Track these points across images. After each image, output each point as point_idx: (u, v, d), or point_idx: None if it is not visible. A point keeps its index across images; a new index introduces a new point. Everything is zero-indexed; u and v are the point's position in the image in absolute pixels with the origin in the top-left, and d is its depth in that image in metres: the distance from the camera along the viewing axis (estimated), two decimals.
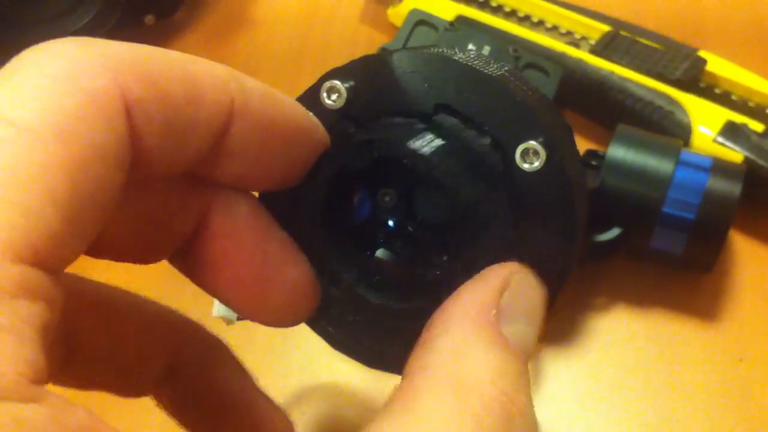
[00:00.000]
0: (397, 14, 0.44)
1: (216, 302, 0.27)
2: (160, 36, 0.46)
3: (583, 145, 0.36)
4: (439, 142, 0.22)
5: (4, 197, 0.13)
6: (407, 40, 0.36)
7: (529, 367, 0.32)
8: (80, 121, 0.14)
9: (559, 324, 0.33)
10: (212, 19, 0.47)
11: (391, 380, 0.32)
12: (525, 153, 0.22)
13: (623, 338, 0.33)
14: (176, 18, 0.46)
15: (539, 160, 0.22)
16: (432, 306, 0.21)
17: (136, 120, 0.15)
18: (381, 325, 0.25)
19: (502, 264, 0.20)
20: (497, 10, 0.43)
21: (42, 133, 0.14)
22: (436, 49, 0.24)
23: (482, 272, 0.19)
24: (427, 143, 0.22)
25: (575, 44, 0.41)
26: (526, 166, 0.22)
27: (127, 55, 0.16)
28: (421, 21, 0.36)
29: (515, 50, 0.33)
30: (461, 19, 0.41)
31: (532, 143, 0.22)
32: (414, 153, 0.22)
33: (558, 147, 0.22)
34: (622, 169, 0.31)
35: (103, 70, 0.15)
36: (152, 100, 0.16)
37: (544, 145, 0.22)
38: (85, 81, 0.15)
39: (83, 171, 0.14)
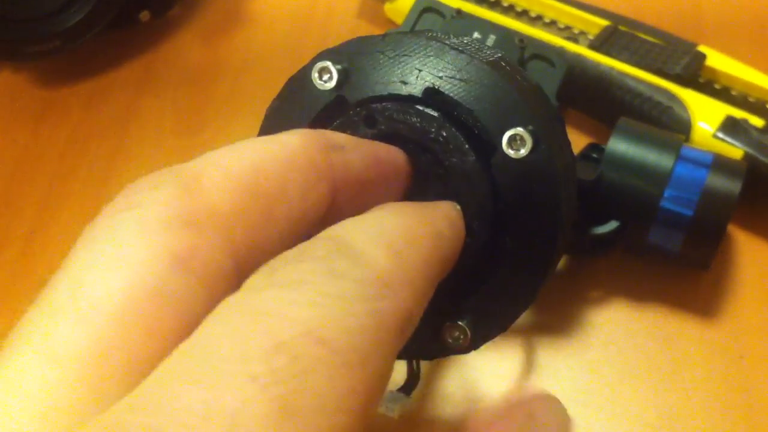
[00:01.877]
0: (395, 10, 0.44)
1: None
2: (155, 33, 0.46)
3: (582, 141, 0.36)
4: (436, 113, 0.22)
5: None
6: (414, 26, 0.36)
7: (526, 362, 0.32)
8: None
9: (558, 317, 0.33)
10: (208, 16, 0.47)
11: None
12: (512, 139, 0.22)
13: (622, 335, 0.33)
14: (172, 15, 0.46)
15: (525, 147, 0.22)
16: None
17: None
18: None
19: None
20: (495, 5, 0.43)
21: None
22: (429, 33, 0.24)
23: None
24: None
25: (574, 39, 0.40)
26: (512, 152, 0.22)
27: None
28: (427, 8, 0.36)
29: (521, 40, 0.33)
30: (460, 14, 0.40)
31: (520, 130, 0.22)
32: (423, 112, 0.22)
33: (546, 136, 0.22)
34: (621, 163, 0.31)
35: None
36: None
37: (532, 133, 0.22)
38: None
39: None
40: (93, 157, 0.41)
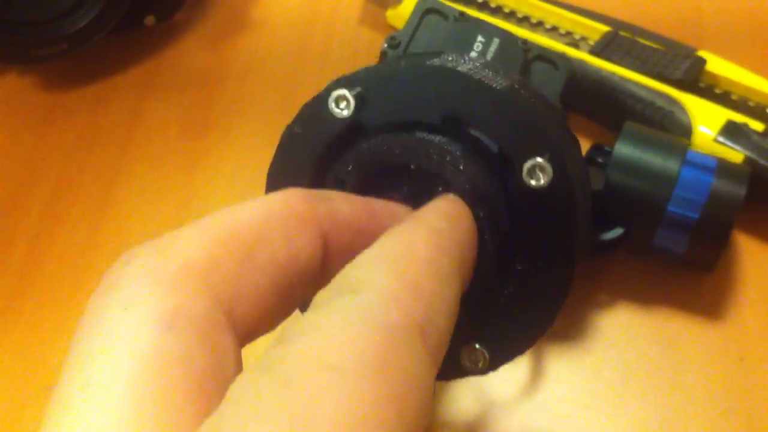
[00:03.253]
0: (397, 16, 0.44)
1: None
2: (160, 37, 0.46)
3: (583, 144, 0.36)
4: (456, 145, 0.22)
5: None
6: (416, 28, 0.36)
7: (530, 365, 0.32)
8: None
9: (562, 321, 0.33)
10: (213, 21, 0.47)
11: None
12: (532, 170, 0.22)
13: (624, 338, 0.33)
14: (176, 19, 0.46)
15: (546, 177, 0.22)
16: None
17: None
18: None
19: None
20: (496, 11, 0.43)
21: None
22: (444, 56, 0.24)
23: None
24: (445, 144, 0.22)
25: (575, 45, 0.41)
26: (533, 182, 0.22)
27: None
28: (430, 9, 0.36)
29: (524, 42, 0.33)
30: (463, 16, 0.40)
31: (539, 160, 0.21)
32: (438, 142, 0.22)
33: (565, 163, 0.22)
34: (628, 167, 0.31)
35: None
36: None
37: (551, 161, 0.21)
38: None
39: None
40: (99, 160, 0.41)
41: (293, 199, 0.18)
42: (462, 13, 0.36)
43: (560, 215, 0.22)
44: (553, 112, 0.26)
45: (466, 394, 0.32)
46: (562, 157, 0.22)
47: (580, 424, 0.31)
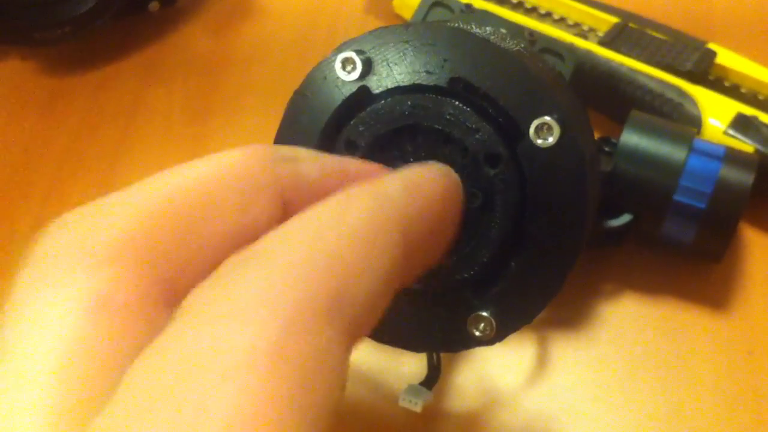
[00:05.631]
0: (403, 5, 0.44)
1: (402, 394, 0.27)
2: (164, 23, 0.46)
3: None
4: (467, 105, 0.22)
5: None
6: (423, 20, 0.36)
7: (536, 354, 0.32)
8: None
9: (568, 310, 0.33)
10: (217, 7, 0.47)
11: (396, 356, 0.32)
12: (539, 128, 0.22)
13: (631, 329, 0.33)
14: (180, 4, 0.46)
15: (553, 135, 0.22)
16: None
17: None
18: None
19: None
20: (504, 1, 0.43)
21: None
22: (452, 24, 0.24)
23: None
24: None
25: (583, 36, 0.40)
26: (539, 141, 0.22)
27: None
28: (437, 2, 0.36)
29: (531, 34, 0.33)
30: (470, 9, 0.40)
31: (547, 119, 0.22)
32: (448, 102, 0.22)
33: (572, 124, 0.22)
34: (634, 156, 0.31)
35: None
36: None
37: (559, 121, 0.22)
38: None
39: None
40: (100, 145, 0.41)
41: (250, 159, 0.16)
42: (468, 6, 0.36)
43: (569, 175, 0.22)
44: (560, 78, 0.26)
45: (471, 383, 0.31)
46: (568, 117, 0.22)
47: (586, 414, 0.31)
